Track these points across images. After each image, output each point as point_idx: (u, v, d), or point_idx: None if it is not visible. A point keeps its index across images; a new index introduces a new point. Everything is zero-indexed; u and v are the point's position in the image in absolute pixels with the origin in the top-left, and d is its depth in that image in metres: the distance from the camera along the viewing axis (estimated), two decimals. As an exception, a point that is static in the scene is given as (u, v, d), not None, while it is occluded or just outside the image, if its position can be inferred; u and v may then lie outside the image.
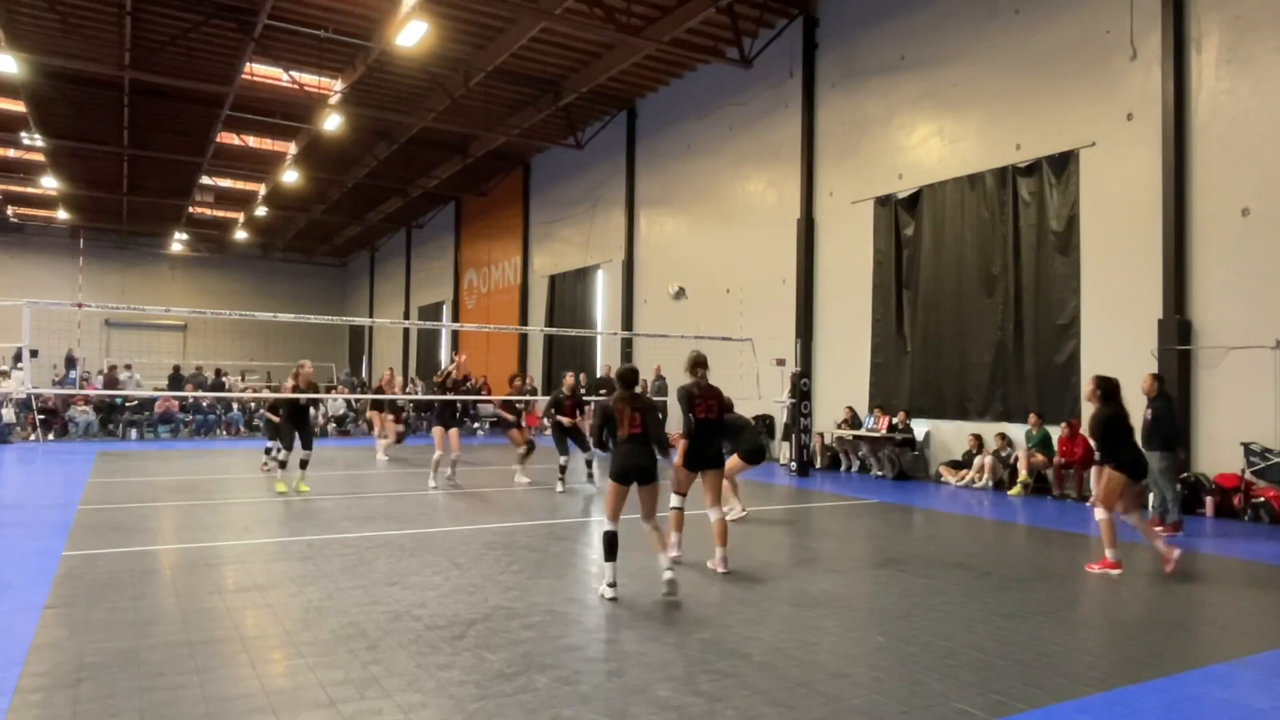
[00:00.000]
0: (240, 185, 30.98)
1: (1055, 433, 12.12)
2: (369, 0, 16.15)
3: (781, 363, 15.97)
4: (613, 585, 5.87)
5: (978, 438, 13.12)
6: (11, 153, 27.05)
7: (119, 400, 21.12)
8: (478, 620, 5.28)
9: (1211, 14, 10.85)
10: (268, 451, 13.02)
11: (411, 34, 15.01)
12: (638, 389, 6.35)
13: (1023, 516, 10.31)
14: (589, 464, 12.34)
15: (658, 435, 6.13)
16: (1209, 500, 10.36)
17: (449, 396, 12.34)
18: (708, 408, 6.78)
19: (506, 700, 3.98)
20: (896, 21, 14.97)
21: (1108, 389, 7.44)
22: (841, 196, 15.99)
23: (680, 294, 12.59)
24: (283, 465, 11.15)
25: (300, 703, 3.92)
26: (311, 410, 11.46)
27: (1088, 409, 11.82)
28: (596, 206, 23.64)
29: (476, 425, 24.51)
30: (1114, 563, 7.09)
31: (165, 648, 4.66)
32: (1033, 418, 12.34)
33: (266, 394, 20.43)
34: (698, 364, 6.90)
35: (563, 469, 11.86)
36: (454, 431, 12.07)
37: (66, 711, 3.77)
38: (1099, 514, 7.29)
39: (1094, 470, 7.46)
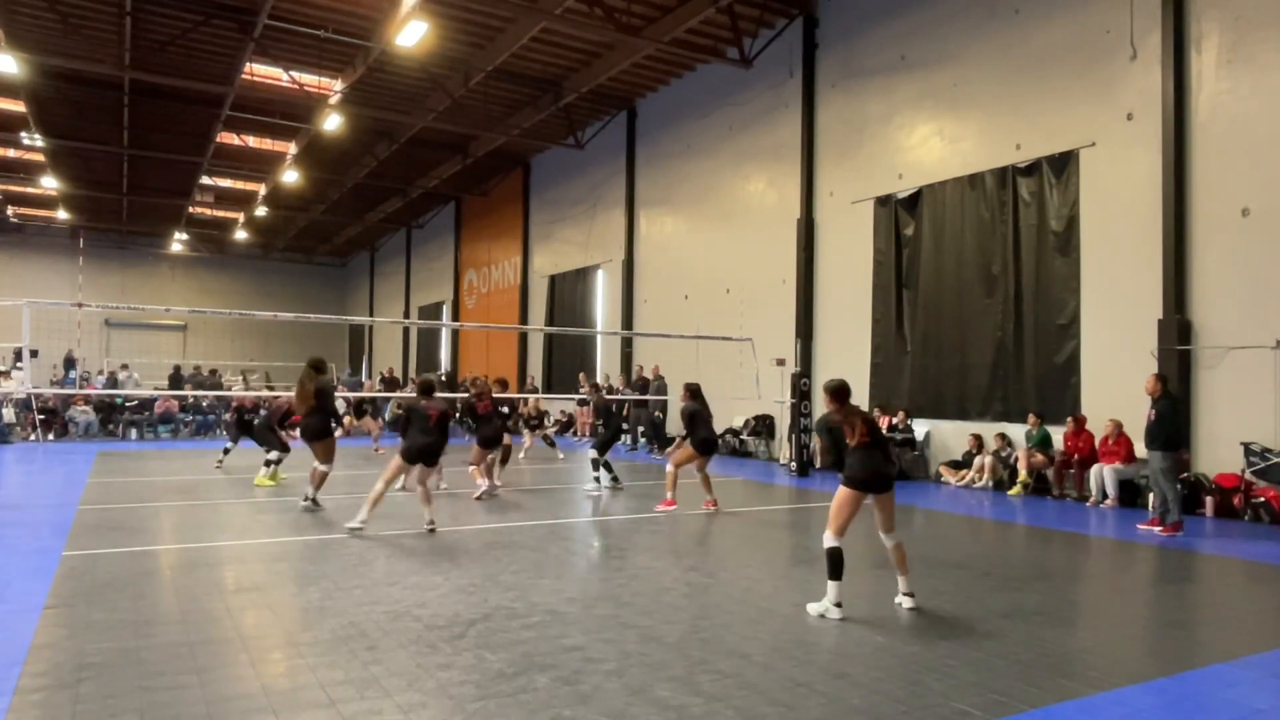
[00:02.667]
0: (240, 185, 30.96)
1: (1056, 433, 12.13)
2: (369, 0, 16.16)
3: (781, 363, 15.97)
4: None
5: (978, 438, 13.12)
6: (11, 153, 27.04)
7: (119, 400, 21.11)
8: (478, 620, 5.28)
9: (1211, 14, 10.86)
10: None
11: (411, 34, 15.00)
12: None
13: (1023, 516, 10.31)
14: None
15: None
16: (1209, 500, 10.36)
17: (445, 396, 12.35)
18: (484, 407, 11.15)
19: (506, 700, 3.98)
20: (896, 21, 14.97)
21: (694, 390, 10.23)
22: (841, 196, 15.99)
23: None
24: (269, 465, 11.96)
25: (300, 703, 3.92)
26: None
27: (1090, 407, 11.92)
28: (596, 206, 23.64)
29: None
30: (671, 501, 9.96)
31: (165, 648, 4.66)
32: (1032, 418, 12.33)
33: (265, 394, 20.36)
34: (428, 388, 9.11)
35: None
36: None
37: (66, 711, 3.77)
38: (668, 467, 10.07)
39: (678, 441, 10.55)
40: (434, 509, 8.59)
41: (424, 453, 8.44)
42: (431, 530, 8.31)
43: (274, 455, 11.96)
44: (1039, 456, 12.15)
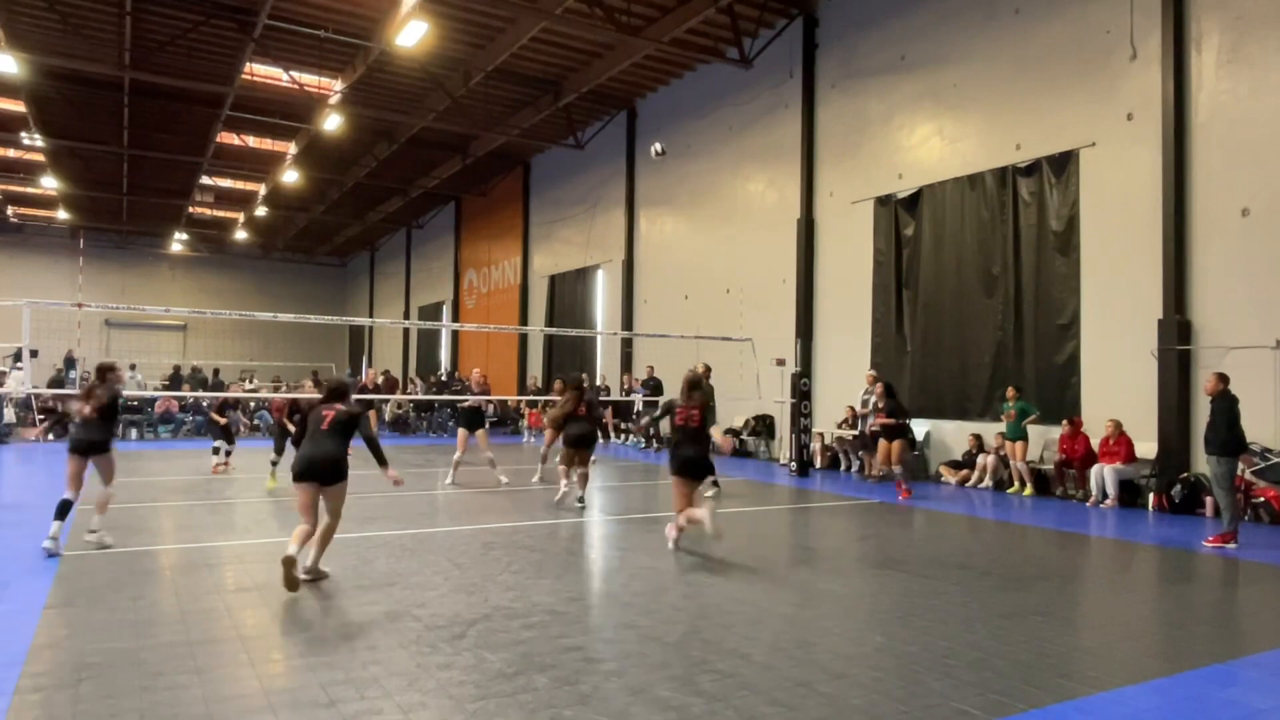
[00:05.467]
0: (240, 185, 30.97)
1: (1053, 431, 12.13)
2: (369, 0, 16.16)
3: (781, 363, 15.97)
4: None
5: (978, 438, 13.12)
6: (11, 153, 27.05)
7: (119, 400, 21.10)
8: (478, 620, 5.28)
9: (1211, 14, 10.86)
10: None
11: (411, 34, 15.00)
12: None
13: (1023, 517, 10.31)
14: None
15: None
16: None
17: (449, 397, 12.39)
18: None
19: (506, 700, 3.98)
20: (896, 21, 14.97)
21: (575, 382, 10.39)
22: (841, 196, 15.99)
23: (661, 153, 12.82)
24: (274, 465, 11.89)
25: (300, 703, 3.92)
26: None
27: (1090, 407, 11.92)
28: (596, 206, 23.64)
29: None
30: (568, 487, 10.16)
31: (165, 648, 4.66)
32: (1010, 390, 12.39)
33: (262, 395, 20.41)
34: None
35: None
36: (480, 431, 12.30)
37: (66, 711, 3.77)
38: (570, 473, 10.15)
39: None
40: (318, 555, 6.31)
41: (309, 466, 6.23)
42: (309, 580, 6.18)
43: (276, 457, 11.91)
44: (1017, 446, 12.14)
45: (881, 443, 12.04)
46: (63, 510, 7.04)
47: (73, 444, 7.38)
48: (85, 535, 7.46)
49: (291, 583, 5.77)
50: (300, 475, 6.18)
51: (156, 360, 32.09)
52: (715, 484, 11.34)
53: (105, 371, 7.82)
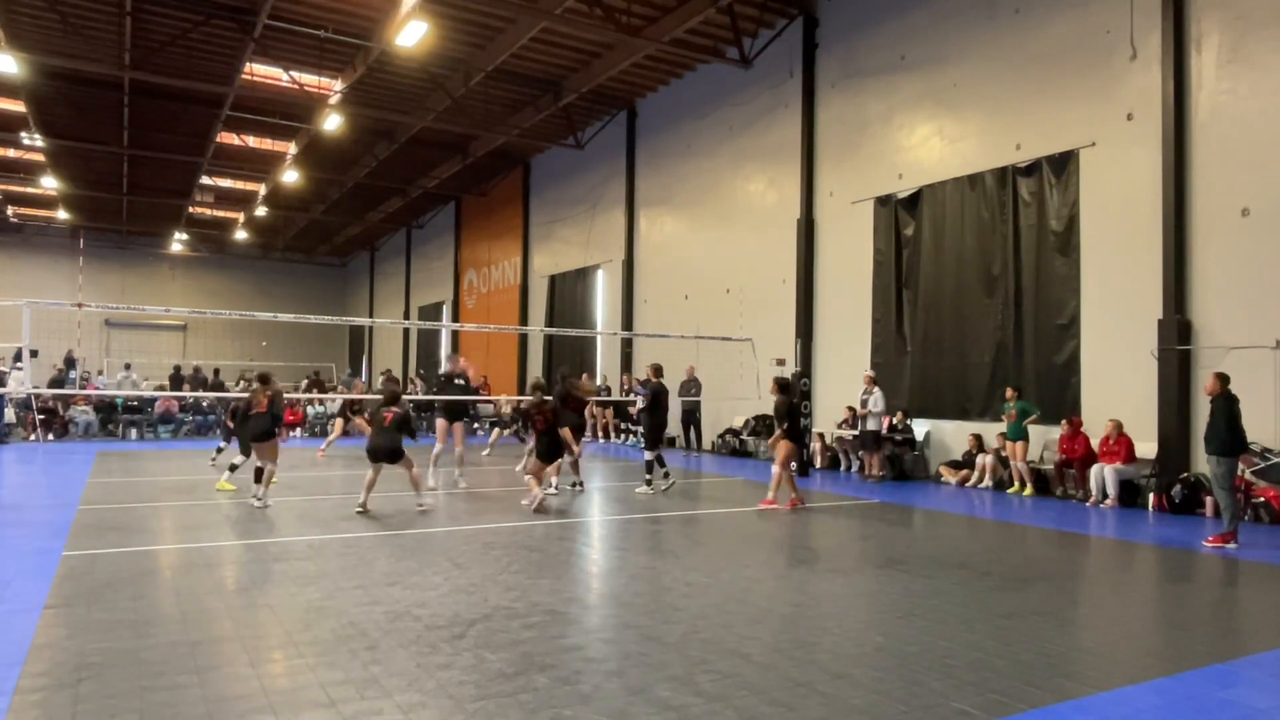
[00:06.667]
0: (240, 185, 30.98)
1: (1052, 432, 12.13)
2: (369, 0, 16.16)
3: (781, 363, 15.97)
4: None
5: (978, 438, 13.12)
6: (11, 153, 27.05)
7: (119, 400, 21.12)
8: (478, 620, 5.28)
9: (1211, 14, 10.86)
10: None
11: (411, 34, 15.00)
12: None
13: (1023, 517, 10.31)
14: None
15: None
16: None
17: (446, 396, 12.35)
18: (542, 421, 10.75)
19: (506, 700, 3.98)
20: (896, 21, 14.97)
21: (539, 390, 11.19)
22: (841, 196, 15.98)
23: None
24: (234, 469, 11.49)
25: (300, 703, 3.92)
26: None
27: (1090, 407, 11.92)
28: (596, 206, 23.64)
29: (476, 425, 24.50)
30: (541, 501, 10.07)
31: (165, 648, 4.66)
32: (1010, 391, 12.42)
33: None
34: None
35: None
36: (458, 425, 12.16)
37: (66, 711, 3.77)
38: (569, 461, 11.41)
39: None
40: (429, 484, 9.72)
41: (376, 452, 9.53)
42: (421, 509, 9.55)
43: (239, 459, 11.39)
44: (1018, 446, 12.14)
45: (784, 443, 10.73)
46: (257, 475, 9.86)
47: (251, 434, 10.20)
48: (252, 499, 9.76)
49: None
50: (374, 457, 9.50)
51: (156, 360, 32.08)
52: (666, 475, 12.02)
53: (268, 378, 10.59)
